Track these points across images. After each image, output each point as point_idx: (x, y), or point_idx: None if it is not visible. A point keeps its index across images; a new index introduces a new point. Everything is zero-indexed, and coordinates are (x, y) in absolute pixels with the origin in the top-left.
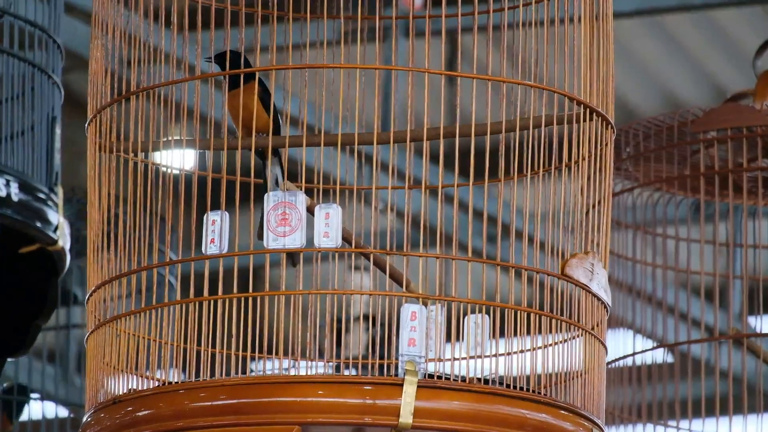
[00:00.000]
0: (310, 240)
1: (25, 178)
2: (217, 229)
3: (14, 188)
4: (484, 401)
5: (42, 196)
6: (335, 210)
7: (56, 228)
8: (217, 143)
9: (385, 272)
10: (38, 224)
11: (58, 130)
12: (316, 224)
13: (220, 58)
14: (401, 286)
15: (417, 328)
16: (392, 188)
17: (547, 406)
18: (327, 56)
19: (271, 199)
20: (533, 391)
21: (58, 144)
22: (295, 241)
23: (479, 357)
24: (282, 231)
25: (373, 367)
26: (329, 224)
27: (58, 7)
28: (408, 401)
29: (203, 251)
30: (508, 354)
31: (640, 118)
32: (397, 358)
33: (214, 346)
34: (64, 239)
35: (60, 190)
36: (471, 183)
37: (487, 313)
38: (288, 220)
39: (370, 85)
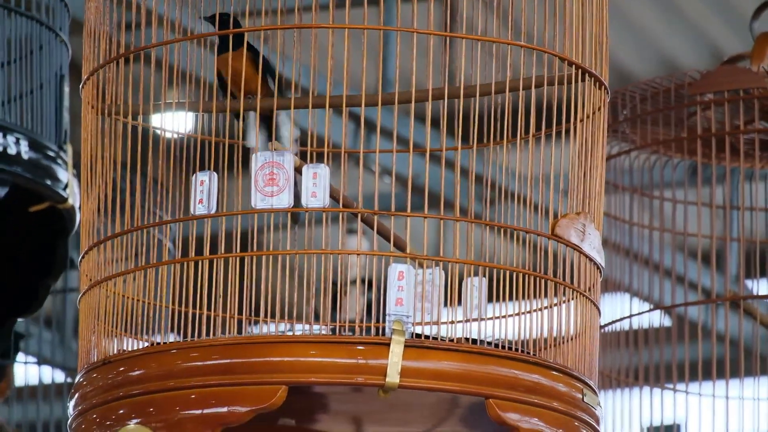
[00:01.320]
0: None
1: (35, 137)
2: (205, 190)
3: (24, 146)
4: (473, 361)
5: (51, 154)
6: (323, 170)
7: (66, 186)
8: (206, 106)
9: (386, 237)
10: (48, 182)
11: (66, 89)
12: (303, 184)
13: (210, 20)
14: (402, 250)
15: (404, 288)
16: (380, 151)
17: (539, 367)
18: (321, 19)
19: (258, 159)
20: (525, 352)
21: (66, 102)
22: (282, 201)
23: (476, 320)
24: (269, 191)
25: (368, 329)
26: (317, 184)
27: None
28: (395, 361)
29: (192, 212)
30: (502, 317)
31: (637, 81)
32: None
33: (206, 308)
34: (73, 197)
35: (69, 148)
36: (459, 147)
37: (479, 274)
38: (275, 180)
39: (368, 49)
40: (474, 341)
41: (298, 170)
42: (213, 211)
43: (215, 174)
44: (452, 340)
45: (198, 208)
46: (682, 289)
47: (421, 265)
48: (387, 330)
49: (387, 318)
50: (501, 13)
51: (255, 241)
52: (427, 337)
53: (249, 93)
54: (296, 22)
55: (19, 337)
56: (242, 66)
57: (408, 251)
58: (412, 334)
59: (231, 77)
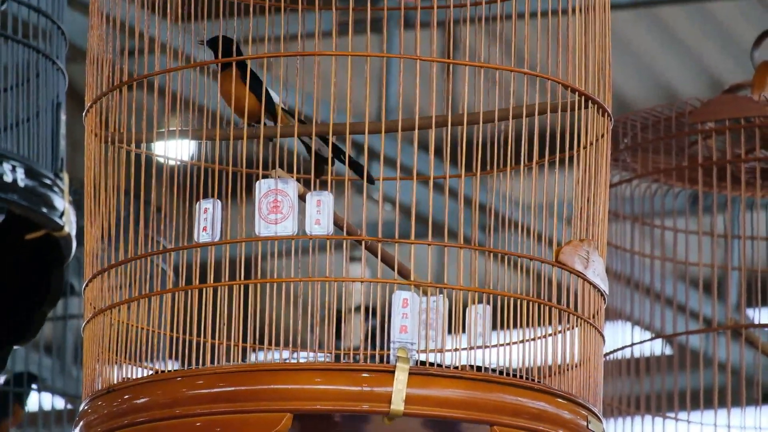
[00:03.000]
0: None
1: (31, 164)
2: (209, 217)
3: (20, 174)
4: (478, 388)
5: (48, 182)
6: (327, 197)
7: (62, 214)
8: (209, 133)
9: (389, 265)
10: (44, 210)
11: (62, 117)
12: (307, 211)
13: (212, 44)
14: (406, 278)
15: (409, 315)
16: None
17: (545, 394)
18: (322, 47)
19: (262, 186)
20: (530, 380)
21: (63, 130)
22: (286, 228)
23: (480, 347)
24: (273, 218)
25: (371, 357)
26: (321, 211)
27: None
28: (400, 388)
29: (195, 239)
30: (507, 344)
31: (638, 110)
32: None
33: (209, 336)
34: (70, 225)
35: (66, 176)
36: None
37: (483, 301)
38: (279, 208)
39: (370, 76)
40: (479, 368)
41: (302, 198)
42: (217, 239)
43: (219, 202)
44: (456, 368)
45: (202, 236)
46: (683, 318)
47: (424, 293)
48: (391, 357)
49: (391, 345)
50: (503, 40)
51: (258, 268)
52: (431, 364)
53: (239, 110)
54: (298, 49)
55: (33, 379)
56: (231, 86)
57: (411, 279)
58: (417, 361)
59: (223, 98)
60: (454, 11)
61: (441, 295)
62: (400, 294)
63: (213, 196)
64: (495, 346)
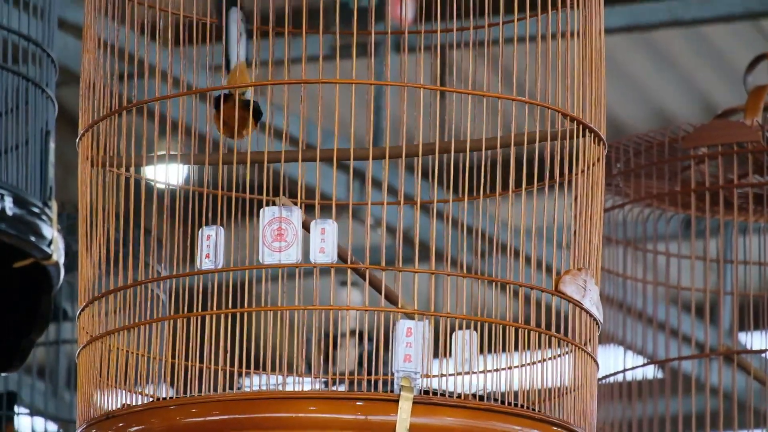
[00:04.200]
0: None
1: (19, 193)
2: (212, 244)
3: (8, 202)
4: (479, 417)
5: (36, 210)
6: (331, 225)
7: (51, 242)
8: (203, 158)
9: (378, 290)
10: (33, 238)
11: (52, 145)
12: (312, 239)
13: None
14: (394, 304)
15: (413, 344)
16: (383, 204)
17: (541, 423)
18: (317, 72)
19: (266, 214)
20: (526, 407)
21: (52, 158)
22: (290, 256)
23: (469, 373)
24: (278, 246)
25: (367, 383)
26: (325, 239)
27: (52, 21)
28: (404, 417)
29: (198, 266)
30: (501, 370)
31: (631, 134)
32: (386, 374)
33: (203, 361)
34: (58, 253)
35: (54, 205)
36: (452, 198)
37: (478, 329)
38: (284, 236)
39: (360, 101)
40: (481, 398)
41: (305, 226)
42: (220, 266)
43: (222, 228)
44: (460, 396)
45: (205, 263)
46: (676, 343)
47: (412, 319)
48: (395, 387)
49: (395, 375)
50: (492, 64)
51: (253, 293)
52: (434, 393)
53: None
54: (285, 76)
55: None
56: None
57: (400, 305)
58: (420, 390)
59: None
60: (446, 37)
61: (426, 321)
62: (404, 323)
63: (209, 221)
64: (489, 371)
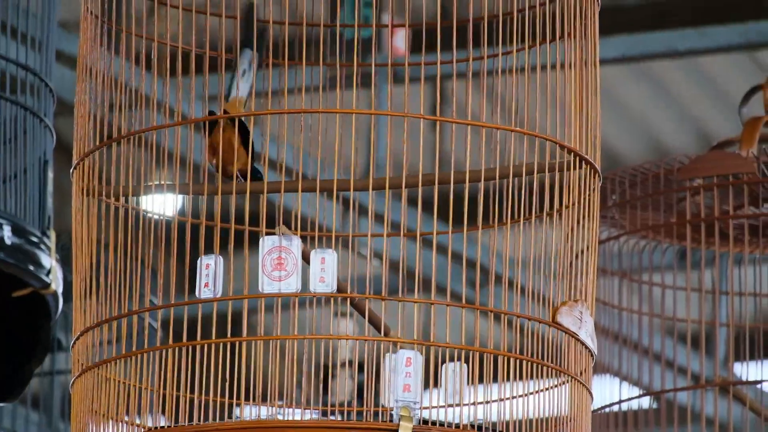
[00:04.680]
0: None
1: (18, 222)
2: (211, 273)
3: (7, 232)
4: None
5: (35, 239)
6: (331, 255)
7: (49, 271)
8: (197, 188)
9: (371, 321)
10: (31, 268)
11: (50, 174)
12: (311, 269)
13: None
14: (379, 332)
15: (412, 374)
16: (383, 235)
17: None
18: (313, 102)
19: (266, 243)
20: None
21: (50, 187)
22: (290, 285)
23: (460, 405)
24: (277, 275)
25: (359, 413)
26: (325, 269)
27: (50, 51)
28: None
29: (197, 295)
30: (496, 401)
31: (626, 165)
32: (378, 405)
33: (199, 391)
34: (56, 283)
35: (53, 234)
36: (453, 229)
37: (473, 359)
38: (284, 265)
39: (357, 131)
40: (479, 428)
41: (303, 256)
42: (219, 295)
43: (221, 258)
44: (458, 426)
45: (204, 292)
46: (671, 374)
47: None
48: (394, 417)
49: (394, 404)
50: (496, 98)
51: (246, 323)
52: (434, 423)
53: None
54: (282, 106)
55: None
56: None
57: (390, 334)
58: (420, 420)
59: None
60: (444, 67)
61: (416, 352)
62: (403, 353)
63: (203, 252)
64: (484, 402)
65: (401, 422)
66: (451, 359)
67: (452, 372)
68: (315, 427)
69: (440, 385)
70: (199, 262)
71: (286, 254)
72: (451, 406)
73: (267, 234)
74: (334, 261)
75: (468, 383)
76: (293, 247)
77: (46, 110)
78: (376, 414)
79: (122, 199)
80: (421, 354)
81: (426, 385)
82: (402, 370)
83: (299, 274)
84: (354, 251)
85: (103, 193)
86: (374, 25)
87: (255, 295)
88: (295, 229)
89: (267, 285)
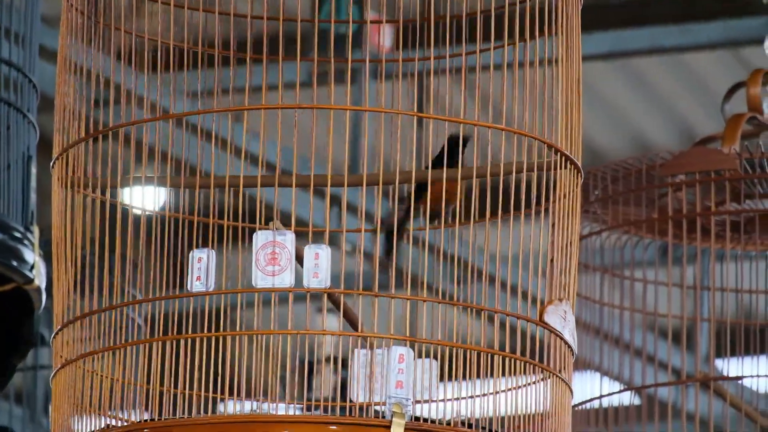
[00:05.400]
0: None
1: (1, 217)
2: (203, 267)
3: None
4: None
5: (18, 235)
6: (325, 251)
7: (32, 267)
8: (179, 180)
9: (348, 317)
10: (14, 263)
11: (33, 170)
12: (305, 264)
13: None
14: (354, 328)
15: (404, 371)
16: (360, 231)
17: None
18: (294, 98)
19: (259, 238)
20: None
21: (33, 183)
22: (284, 280)
23: (444, 400)
24: (271, 270)
25: (342, 408)
26: (318, 264)
27: (33, 47)
28: None
29: (188, 289)
30: (477, 396)
31: (609, 161)
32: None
33: (182, 386)
34: (40, 278)
35: (36, 229)
36: (431, 226)
37: (453, 355)
38: (278, 260)
39: (341, 128)
40: (470, 425)
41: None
42: (211, 289)
43: (213, 251)
44: (449, 423)
45: (195, 285)
46: (653, 369)
47: (371, 346)
48: (387, 413)
49: (387, 401)
50: (477, 94)
51: (228, 319)
52: (425, 420)
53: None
54: (263, 102)
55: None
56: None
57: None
58: (411, 417)
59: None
60: (425, 63)
61: (408, 349)
62: (396, 350)
63: (185, 246)
64: (465, 398)
65: (393, 419)
66: (429, 355)
67: (423, 368)
68: (306, 422)
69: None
70: (191, 255)
71: (280, 249)
72: (427, 401)
73: (260, 229)
74: (328, 256)
75: (447, 380)
76: (287, 242)
77: (29, 106)
78: (361, 410)
79: (99, 192)
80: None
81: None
82: (395, 367)
83: (293, 269)
84: (334, 246)
85: (82, 185)
86: (351, 21)
87: (248, 289)
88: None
89: (261, 280)
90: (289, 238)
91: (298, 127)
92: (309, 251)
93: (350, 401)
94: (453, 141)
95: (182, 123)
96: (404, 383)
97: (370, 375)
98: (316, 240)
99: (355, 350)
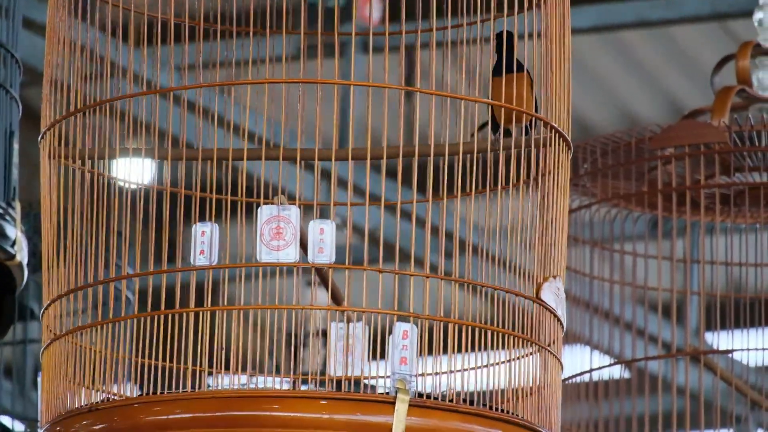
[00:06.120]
0: None
1: None
2: (207, 240)
3: None
4: (472, 422)
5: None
6: (330, 225)
7: (14, 243)
8: (166, 152)
9: (334, 291)
10: None
11: (15, 145)
12: (310, 239)
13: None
14: (338, 303)
15: (408, 347)
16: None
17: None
18: (284, 72)
19: (264, 212)
20: (515, 415)
21: (15, 159)
22: (289, 255)
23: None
24: (276, 245)
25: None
26: (323, 240)
27: (16, 21)
28: (400, 419)
29: (192, 262)
30: (466, 370)
31: (598, 135)
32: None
33: (172, 360)
34: (21, 254)
35: (18, 205)
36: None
37: (442, 329)
38: (282, 234)
39: (327, 101)
40: (471, 402)
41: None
42: (215, 263)
43: (216, 225)
44: (452, 401)
45: (199, 259)
46: (643, 343)
47: (349, 320)
48: (391, 389)
49: (391, 377)
50: (464, 68)
51: (220, 293)
52: (428, 396)
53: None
54: (250, 76)
55: None
56: (524, 89)
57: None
58: (415, 393)
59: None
60: (413, 37)
61: (360, 322)
62: (400, 326)
63: (172, 220)
64: (453, 372)
65: (398, 395)
66: (419, 329)
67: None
68: (280, 396)
69: (387, 356)
70: (194, 228)
71: (285, 224)
72: (421, 375)
73: (265, 204)
74: (333, 231)
75: (435, 353)
76: (292, 216)
77: (12, 81)
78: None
79: (89, 164)
80: (369, 325)
81: (374, 356)
82: (399, 343)
83: (297, 243)
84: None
85: (69, 157)
86: None
87: (252, 263)
88: (261, 196)
89: (265, 254)
90: (294, 212)
91: (287, 101)
92: (314, 226)
93: (327, 374)
94: (504, 38)
95: (168, 96)
96: (408, 359)
97: (346, 348)
98: (304, 213)
99: (332, 323)
